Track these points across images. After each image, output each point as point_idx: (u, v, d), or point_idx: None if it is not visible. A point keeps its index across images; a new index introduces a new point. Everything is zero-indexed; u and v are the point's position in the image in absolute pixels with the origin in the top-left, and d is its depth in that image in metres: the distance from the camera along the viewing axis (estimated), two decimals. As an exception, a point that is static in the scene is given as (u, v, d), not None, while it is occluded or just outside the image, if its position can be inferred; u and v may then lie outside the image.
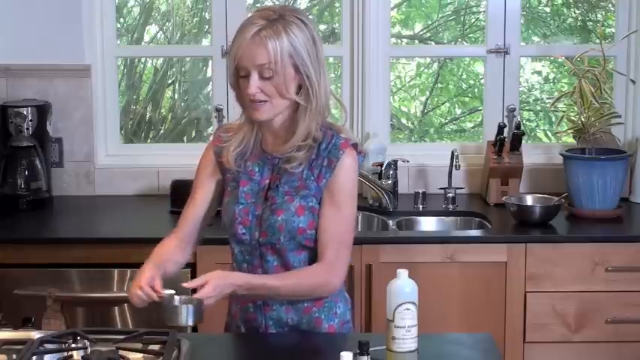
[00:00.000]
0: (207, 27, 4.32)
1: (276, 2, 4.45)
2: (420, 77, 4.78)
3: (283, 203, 2.32)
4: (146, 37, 4.63)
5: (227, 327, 2.51)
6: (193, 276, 3.34)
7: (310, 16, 2.91)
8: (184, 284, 2.26)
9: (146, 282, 2.27)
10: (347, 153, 2.32)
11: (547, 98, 4.58)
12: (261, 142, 2.39)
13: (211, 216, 2.49)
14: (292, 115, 2.32)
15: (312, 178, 2.33)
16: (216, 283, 2.24)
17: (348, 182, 2.33)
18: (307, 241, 2.33)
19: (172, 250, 2.46)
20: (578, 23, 4.46)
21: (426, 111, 4.77)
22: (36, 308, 3.23)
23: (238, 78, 2.29)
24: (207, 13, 4.35)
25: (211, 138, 2.51)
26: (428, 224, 3.77)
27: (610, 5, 4.32)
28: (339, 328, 2.41)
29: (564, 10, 4.41)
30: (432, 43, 4.68)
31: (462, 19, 4.59)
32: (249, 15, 2.32)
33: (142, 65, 4.66)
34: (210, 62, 4.17)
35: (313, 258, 2.35)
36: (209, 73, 4.34)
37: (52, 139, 3.88)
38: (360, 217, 3.68)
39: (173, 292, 2.25)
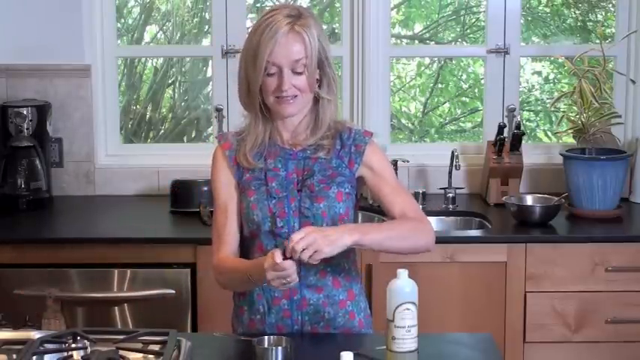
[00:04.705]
0: (207, 27, 4.32)
1: (277, 2, 4.45)
2: (420, 77, 4.78)
3: (321, 191, 2.36)
4: (146, 37, 4.63)
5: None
6: (193, 276, 3.34)
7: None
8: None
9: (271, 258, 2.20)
10: (372, 140, 2.43)
11: (547, 98, 4.58)
12: (276, 140, 2.41)
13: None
14: (311, 108, 2.39)
15: (344, 165, 2.40)
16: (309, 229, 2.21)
17: (386, 159, 2.47)
18: None
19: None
20: (578, 23, 4.46)
21: (426, 111, 4.77)
22: (36, 308, 3.23)
23: (262, 76, 2.31)
24: (207, 13, 4.35)
25: (216, 143, 2.51)
26: (428, 224, 3.77)
27: (610, 5, 4.32)
28: (365, 321, 2.47)
29: (564, 10, 4.41)
30: (432, 43, 4.68)
31: (462, 19, 4.59)
32: (267, 15, 2.32)
33: (142, 65, 4.66)
34: (210, 62, 4.17)
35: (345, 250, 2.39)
36: (209, 73, 4.34)
37: (52, 139, 3.88)
38: (360, 217, 3.67)
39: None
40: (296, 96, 2.33)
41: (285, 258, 2.17)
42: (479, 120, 4.52)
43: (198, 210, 3.61)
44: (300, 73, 2.31)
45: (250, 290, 2.41)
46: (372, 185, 2.43)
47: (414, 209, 2.41)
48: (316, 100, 2.39)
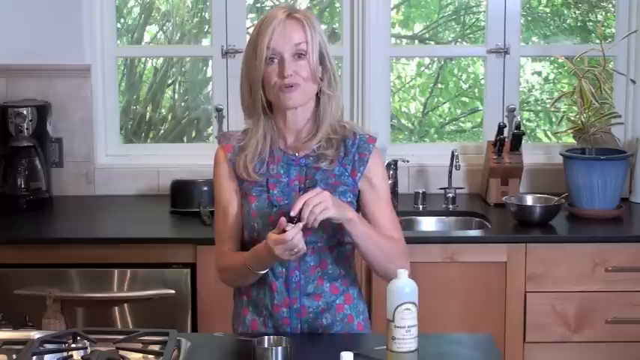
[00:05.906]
0: (207, 27, 4.32)
1: (277, 2, 4.45)
2: (420, 77, 4.78)
3: None
4: (146, 37, 4.63)
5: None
6: (193, 276, 3.34)
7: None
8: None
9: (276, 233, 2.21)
10: (375, 147, 2.42)
11: (547, 98, 4.58)
12: (279, 144, 2.40)
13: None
14: (314, 110, 2.38)
15: (347, 173, 2.39)
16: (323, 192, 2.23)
17: (384, 173, 2.46)
18: (342, 236, 2.37)
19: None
20: (578, 23, 4.46)
21: (426, 111, 4.77)
22: (36, 308, 3.23)
23: (263, 67, 2.31)
24: (207, 13, 4.35)
25: (216, 143, 2.50)
26: (428, 224, 3.77)
27: (610, 5, 4.32)
28: (364, 324, 2.47)
29: (564, 10, 4.41)
30: (432, 43, 4.68)
31: (462, 19, 4.59)
32: (264, 14, 2.36)
33: (142, 65, 4.66)
34: (210, 62, 4.17)
35: (344, 255, 2.41)
36: (209, 73, 4.34)
37: (52, 139, 3.88)
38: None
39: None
40: (298, 85, 2.31)
41: (289, 220, 2.18)
42: (479, 120, 4.52)
43: (198, 210, 3.61)
44: (301, 57, 2.31)
45: (251, 292, 2.41)
46: (364, 198, 2.41)
47: (399, 233, 2.42)
48: (319, 101, 2.38)
